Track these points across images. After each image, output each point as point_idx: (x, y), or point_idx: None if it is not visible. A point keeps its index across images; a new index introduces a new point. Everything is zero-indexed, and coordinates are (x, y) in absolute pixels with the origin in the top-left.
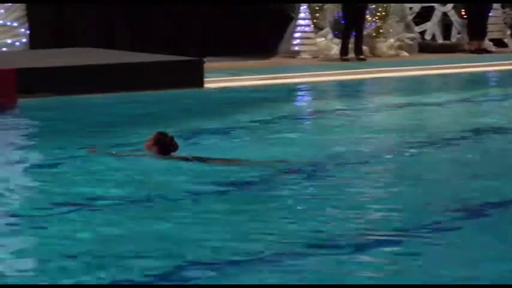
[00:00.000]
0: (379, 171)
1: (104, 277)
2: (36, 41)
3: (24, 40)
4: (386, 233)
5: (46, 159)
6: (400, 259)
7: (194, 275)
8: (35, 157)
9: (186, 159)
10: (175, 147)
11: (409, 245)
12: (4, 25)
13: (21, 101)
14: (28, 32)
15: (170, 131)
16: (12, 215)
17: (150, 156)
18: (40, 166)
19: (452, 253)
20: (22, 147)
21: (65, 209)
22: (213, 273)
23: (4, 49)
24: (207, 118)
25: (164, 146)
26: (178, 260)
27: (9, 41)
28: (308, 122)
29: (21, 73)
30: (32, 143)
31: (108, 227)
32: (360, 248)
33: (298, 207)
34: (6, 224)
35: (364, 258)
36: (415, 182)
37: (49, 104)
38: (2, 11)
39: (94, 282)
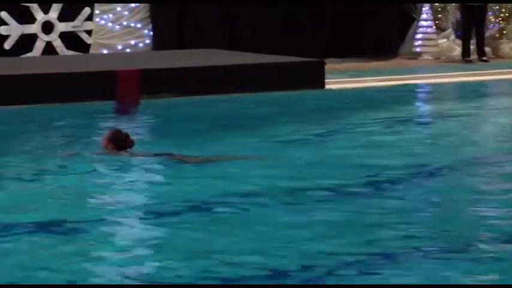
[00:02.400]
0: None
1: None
2: (159, 42)
3: (147, 41)
4: None
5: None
6: None
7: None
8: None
9: (146, 155)
10: (130, 143)
11: None
12: (128, 26)
13: (145, 101)
14: (151, 33)
15: (290, 132)
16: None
17: (106, 154)
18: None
19: None
20: (142, 147)
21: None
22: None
23: (128, 50)
24: (328, 119)
25: (119, 142)
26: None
27: (132, 42)
28: (429, 124)
29: (144, 74)
30: (154, 141)
31: None
32: None
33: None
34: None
35: None
36: None
37: (172, 105)
38: (126, 12)
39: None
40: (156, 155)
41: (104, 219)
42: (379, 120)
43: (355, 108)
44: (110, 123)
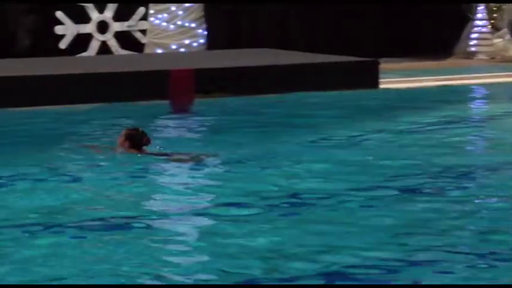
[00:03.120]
0: None
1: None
2: (213, 42)
3: (201, 41)
4: None
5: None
6: None
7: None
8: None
9: (165, 154)
10: (146, 142)
11: None
12: (182, 26)
13: (198, 100)
14: (206, 32)
15: (345, 131)
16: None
17: (122, 152)
18: (225, 163)
19: None
20: (195, 147)
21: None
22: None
23: (182, 50)
24: (382, 119)
25: (135, 141)
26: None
27: (187, 41)
28: (484, 124)
29: (198, 73)
30: (206, 140)
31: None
32: None
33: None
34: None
35: None
36: None
37: (225, 104)
38: (181, 12)
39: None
40: (166, 154)
41: (167, 217)
42: (433, 120)
43: (410, 107)
44: (163, 122)
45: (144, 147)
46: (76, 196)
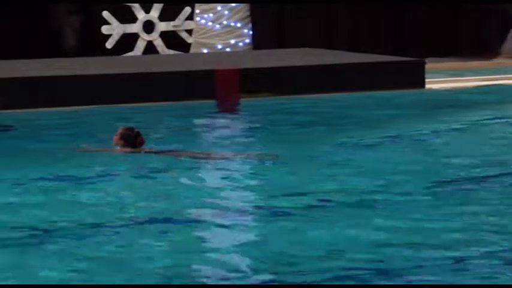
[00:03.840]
0: None
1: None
2: (259, 42)
3: (247, 41)
4: None
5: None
6: None
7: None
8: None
9: (162, 152)
10: (140, 141)
11: None
12: (228, 26)
13: (244, 100)
14: (251, 32)
15: (390, 131)
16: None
17: (117, 151)
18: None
19: None
20: (240, 146)
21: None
22: None
23: (228, 49)
24: (428, 119)
25: (129, 140)
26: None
27: (232, 41)
28: None
29: (244, 73)
30: (251, 141)
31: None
32: None
33: None
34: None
35: None
36: None
37: (271, 104)
38: (227, 12)
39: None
40: (161, 152)
41: (219, 216)
42: (479, 120)
43: (456, 107)
44: (208, 122)
45: (144, 147)
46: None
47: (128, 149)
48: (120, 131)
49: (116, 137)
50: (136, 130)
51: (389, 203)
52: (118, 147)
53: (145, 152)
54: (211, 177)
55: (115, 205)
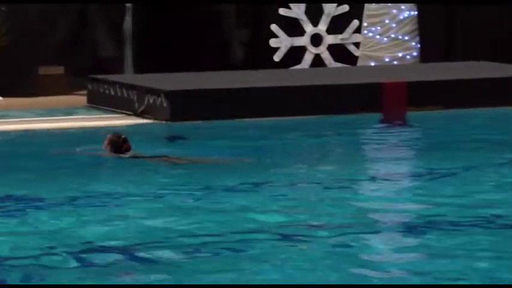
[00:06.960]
0: None
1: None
2: (427, 55)
3: (414, 53)
4: None
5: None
6: None
7: None
8: (412, 169)
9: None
10: (127, 148)
11: None
12: (396, 39)
13: (412, 113)
14: (419, 45)
15: None
16: None
17: (106, 155)
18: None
19: None
20: (407, 159)
21: None
22: None
23: (395, 62)
24: None
25: (116, 146)
26: None
27: (400, 54)
28: None
29: (411, 86)
30: (418, 155)
31: None
32: None
33: None
34: None
35: None
36: None
37: (438, 118)
38: (394, 25)
39: None
40: (153, 157)
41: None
42: None
43: None
44: (375, 134)
45: (137, 152)
46: None
47: (113, 154)
48: (109, 137)
49: (105, 142)
50: (123, 137)
51: None
52: (106, 152)
53: (131, 156)
54: None
55: None
